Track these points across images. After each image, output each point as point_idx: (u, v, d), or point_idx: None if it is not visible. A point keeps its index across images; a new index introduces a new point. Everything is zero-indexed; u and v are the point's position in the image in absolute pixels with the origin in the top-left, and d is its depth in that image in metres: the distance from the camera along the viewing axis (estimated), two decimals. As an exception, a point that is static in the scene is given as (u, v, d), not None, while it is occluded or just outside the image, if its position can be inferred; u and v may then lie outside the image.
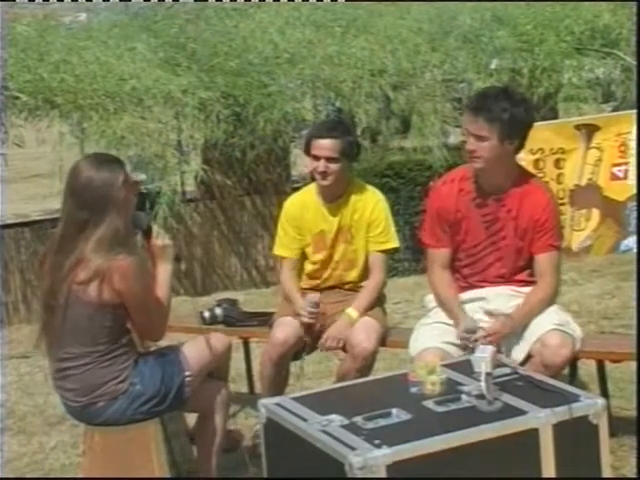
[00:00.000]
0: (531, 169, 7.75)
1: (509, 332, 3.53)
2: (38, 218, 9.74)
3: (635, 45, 8.64)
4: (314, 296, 4.09)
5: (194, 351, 3.48)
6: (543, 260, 3.65)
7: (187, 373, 3.41)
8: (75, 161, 3.42)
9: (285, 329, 4.05)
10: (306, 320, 4.06)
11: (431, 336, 3.65)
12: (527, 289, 3.71)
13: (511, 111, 3.51)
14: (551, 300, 3.67)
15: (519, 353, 3.55)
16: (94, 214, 3.22)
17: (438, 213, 3.76)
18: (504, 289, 3.72)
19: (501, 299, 3.70)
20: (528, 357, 3.55)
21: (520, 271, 3.72)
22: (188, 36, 9.15)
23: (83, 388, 3.30)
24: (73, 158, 8.90)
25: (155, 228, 3.45)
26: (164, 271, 3.42)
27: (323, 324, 4.13)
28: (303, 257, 4.27)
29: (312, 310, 4.04)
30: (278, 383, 4.08)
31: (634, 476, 3.54)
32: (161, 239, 3.42)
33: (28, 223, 9.72)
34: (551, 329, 3.52)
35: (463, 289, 3.77)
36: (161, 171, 7.89)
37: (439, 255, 3.78)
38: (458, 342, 3.59)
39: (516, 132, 3.56)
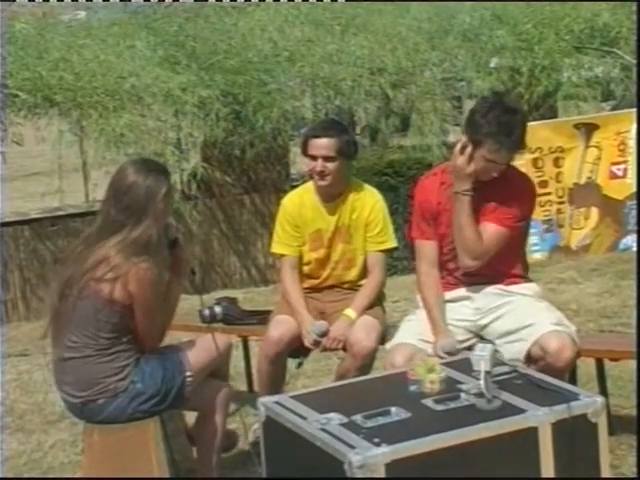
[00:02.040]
0: (530, 168, 7.80)
1: None
2: (37, 216, 9.73)
3: (635, 44, 8.64)
4: (323, 324, 4.05)
5: (195, 351, 3.48)
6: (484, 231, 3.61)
7: (188, 373, 3.41)
8: (124, 161, 3.47)
9: (280, 327, 4.05)
10: (309, 345, 4.06)
11: (409, 333, 3.66)
12: (514, 287, 3.69)
13: (520, 126, 3.53)
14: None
15: (517, 354, 3.53)
16: (131, 220, 3.28)
17: (422, 206, 3.77)
18: (490, 288, 3.71)
19: (487, 298, 3.70)
20: (528, 357, 3.52)
21: (504, 264, 3.70)
22: (187, 34, 9.17)
23: (83, 381, 3.31)
24: (72, 156, 8.93)
25: (181, 240, 3.49)
26: (177, 284, 3.48)
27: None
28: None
29: (318, 340, 4.04)
30: (275, 380, 4.08)
31: (634, 475, 3.54)
32: (184, 254, 3.50)
33: (27, 221, 9.71)
34: (549, 331, 3.48)
35: (451, 286, 3.77)
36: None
37: (425, 249, 3.77)
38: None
39: (523, 141, 3.59)
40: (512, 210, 3.62)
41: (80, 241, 3.45)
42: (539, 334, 3.46)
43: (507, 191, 3.62)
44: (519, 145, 3.56)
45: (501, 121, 3.52)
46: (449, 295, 3.74)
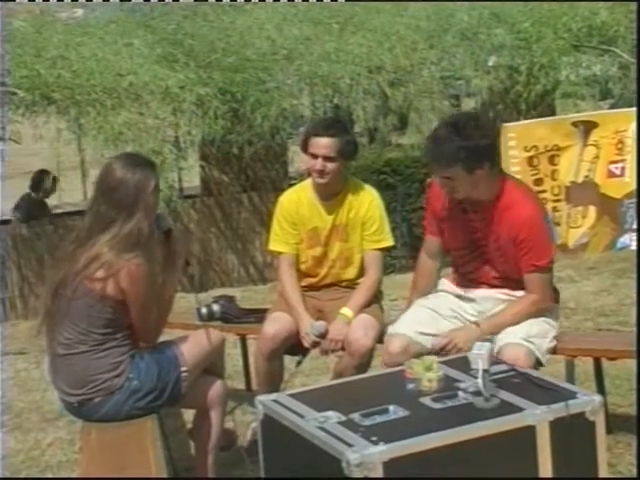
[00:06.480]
0: (526, 166, 7.78)
1: (475, 339, 3.41)
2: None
3: (636, 44, 8.64)
4: (322, 325, 4.05)
5: (188, 346, 3.48)
6: (528, 280, 3.60)
7: (183, 368, 3.41)
8: (108, 158, 3.47)
9: (275, 324, 4.04)
10: (308, 346, 4.06)
11: (410, 321, 3.68)
12: (519, 292, 3.67)
13: (466, 147, 3.45)
14: (530, 316, 3.60)
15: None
16: (122, 215, 3.28)
17: (429, 205, 3.86)
18: (494, 292, 3.71)
19: (489, 303, 3.70)
20: None
21: (512, 273, 3.67)
22: (185, 32, 9.17)
23: (77, 378, 3.31)
24: (70, 154, 8.92)
25: (175, 233, 3.49)
26: (172, 277, 3.47)
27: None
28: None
29: (317, 340, 4.04)
30: (272, 378, 4.07)
31: (630, 474, 3.55)
32: (178, 245, 3.48)
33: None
34: (510, 342, 3.46)
35: (461, 285, 3.80)
36: (158, 167, 7.89)
37: (428, 241, 3.88)
38: (436, 333, 3.62)
39: (481, 158, 3.50)
40: (529, 245, 3.56)
41: (71, 240, 3.42)
42: (502, 343, 3.47)
43: (514, 225, 3.55)
44: (453, 160, 3.44)
45: (437, 134, 3.56)
46: (459, 291, 3.79)
